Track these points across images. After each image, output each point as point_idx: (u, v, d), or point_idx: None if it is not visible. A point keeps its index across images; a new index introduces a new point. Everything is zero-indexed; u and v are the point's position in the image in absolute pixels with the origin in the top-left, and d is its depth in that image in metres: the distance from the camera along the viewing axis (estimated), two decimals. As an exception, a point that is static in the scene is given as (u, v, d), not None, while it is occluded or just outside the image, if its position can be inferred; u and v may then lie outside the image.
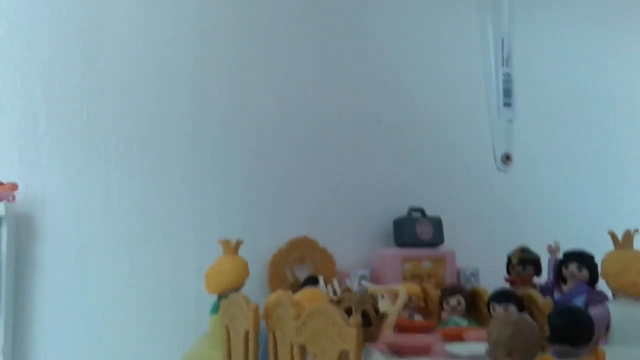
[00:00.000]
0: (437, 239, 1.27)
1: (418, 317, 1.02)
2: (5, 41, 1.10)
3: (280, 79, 1.28)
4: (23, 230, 1.06)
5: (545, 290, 1.10)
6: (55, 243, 1.08)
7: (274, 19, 1.30)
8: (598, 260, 1.00)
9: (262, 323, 0.86)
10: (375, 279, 1.24)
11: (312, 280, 1.12)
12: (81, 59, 1.14)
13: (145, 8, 1.19)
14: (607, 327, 0.90)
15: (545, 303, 0.90)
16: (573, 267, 1.05)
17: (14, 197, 1.05)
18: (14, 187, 1.05)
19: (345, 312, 0.69)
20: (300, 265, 1.22)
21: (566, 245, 1.11)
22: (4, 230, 1.00)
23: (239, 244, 1.10)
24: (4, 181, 1.04)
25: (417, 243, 1.25)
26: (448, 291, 1.04)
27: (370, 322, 0.73)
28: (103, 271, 1.12)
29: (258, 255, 1.18)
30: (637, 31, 1.70)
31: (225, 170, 1.22)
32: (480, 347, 0.75)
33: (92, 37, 1.15)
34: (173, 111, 1.20)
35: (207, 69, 1.23)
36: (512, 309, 0.90)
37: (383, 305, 0.90)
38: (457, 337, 0.89)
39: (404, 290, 0.98)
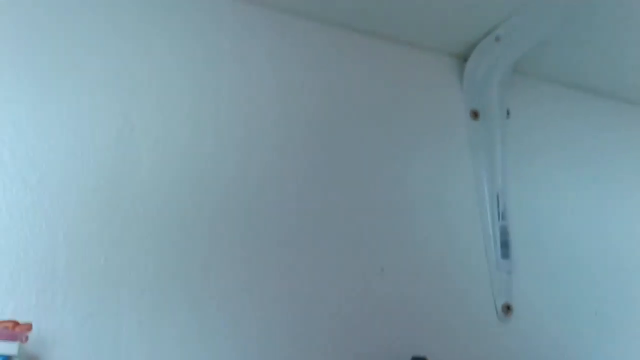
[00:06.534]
0: (440, 390, 1.27)
1: None
2: (36, 190, 1.19)
3: (286, 229, 1.35)
4: (31, 372, 1.08)
5: None
6: (61, 385, 1.09)
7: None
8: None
9: None
10: None
11: None
12: (104, 209, 1.22)
13: (167, 163, 1.30)
14: None
15: None
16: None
17: (26, 338, 1.07)
18: (29, 327, 1.07)
19: None
20: (302, 413, 1.22)
21: (569, 397, 1.11)
22: (14, 370, 1.02)
23: (242, 390, 1.11)
24: (20, 322, 1.07)
25: (420, 394, 1.25)
26: None
27: None
28: (104, 417, 1.11)
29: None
30: (634, 180, 1.81)
31: (230, 318, 1.24)
32: None
33: (116, 190, 1.24)
34: (184, 264, 1.25)
35: (221, 225, 1.30)
36: None
37: None
38: None
39: None
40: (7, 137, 1.19)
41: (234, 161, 1.36)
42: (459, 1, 1.51)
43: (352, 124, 1.52)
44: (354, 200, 1.44)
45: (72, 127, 1.25)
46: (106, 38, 1.33)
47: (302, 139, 1.45)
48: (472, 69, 1.70)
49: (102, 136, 1.26)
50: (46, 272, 1.15)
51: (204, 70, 1.40)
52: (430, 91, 1.67)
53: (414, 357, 1.29)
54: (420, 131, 1.60)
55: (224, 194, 1.33)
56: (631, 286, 1.65)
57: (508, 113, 1.71)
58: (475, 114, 1.68)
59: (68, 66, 1.28)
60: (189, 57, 1.40)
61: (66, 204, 1.20)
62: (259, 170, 1.38)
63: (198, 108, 1.37)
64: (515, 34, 1.60)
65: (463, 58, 1.72)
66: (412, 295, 1.41)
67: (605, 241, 1.67)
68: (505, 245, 1.53)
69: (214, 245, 1.29)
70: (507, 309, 1.48)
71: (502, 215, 1.56)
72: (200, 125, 1.36)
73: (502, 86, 1.69)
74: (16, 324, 1.07)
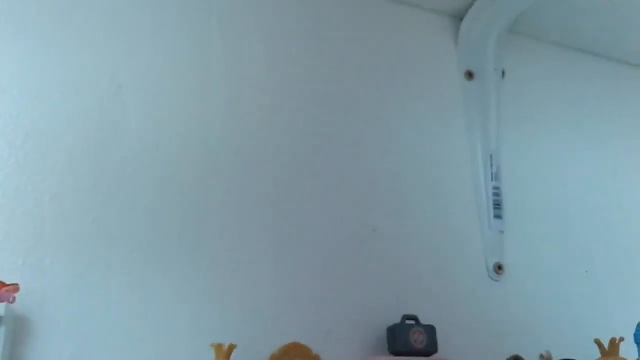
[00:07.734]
0: (431, 348, 1.26)
1: None
2: (21, 151, 1.17)
3: (278, 188, 1.34)
4: (20, 332, 1.07)
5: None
6: (50, 345, 1.08)
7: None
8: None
9: None
10: (368, 388, 1.23)
11: (304, 388, 1.11)
12: (91, 168, 1.20)
13: (154, 122, 1.28)
14: None
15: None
16: (565, 376, 1.06)
17: (14, 299, 1.07)
18: (16, 289, 1.07)
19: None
20: (293, 371, 1.22)
21: (558, 354, 1.12)
22: (2, 330, 1.01)
23: (232, 348, 1.10)
24: (7, 282, 1.07)
25: (411, 352, 1.24)
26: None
27: None
28: (95, 375, 1.11)
29: (251, 360, 1.18)
30: (629, 142, 1.80)
31: (220, 276, 1.24)
32: None
33: (102, 149, 1.22)
34: (174, 223, 1.24)
35: (209, 184, 1.29)
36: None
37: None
38: None
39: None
40: (-9, 98, 1.17)
41: (222, 120, 1.34)
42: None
43: (345, 83, 1.50)
44: (347, 160, 1.43)
45: (58, 86, 1.23)
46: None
47: (293, 98, 1.43)
48: (468, 28, 1.67)
49: (89, 95, 1.25)
50: (34, 232, 1.14)
51: (193, 30, 1.38)
52: (425, 51, 1.65)
53: (405, 316, 1.29)
54: (414, 91, 1.58)
55: (212, 153, 1.31)
56: (622, 246, 1.65)
57: (503, 74, 1.69)
58: (470, 75, 1.66)
59: (55, 22, 1.26)
60: (178, 18, 1.37)
61: (52, 164, 1.18)
62: (247, 129, 1.36)
63: (185, 68, 1.35)
64: (512, -7, 1.57)
65: (459, 17, 1.69)
66: (404, 255, 1.40)
67: (597, 201, 1.67)
68: (498, 206, 1.52)
69: (203, 204, 1.27)
70: (499, 268, 1.49)
71: (496, 176, 1.55)
72: (187, 84, 1.34)
73: (497, 46, 1.67)
74: (3, 285, 1.07)
